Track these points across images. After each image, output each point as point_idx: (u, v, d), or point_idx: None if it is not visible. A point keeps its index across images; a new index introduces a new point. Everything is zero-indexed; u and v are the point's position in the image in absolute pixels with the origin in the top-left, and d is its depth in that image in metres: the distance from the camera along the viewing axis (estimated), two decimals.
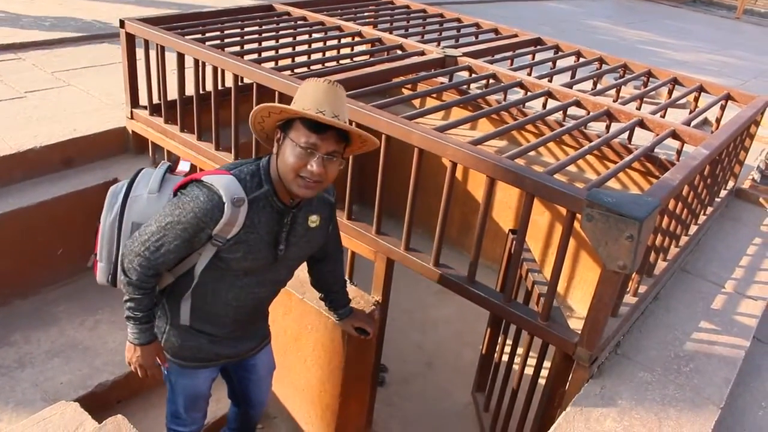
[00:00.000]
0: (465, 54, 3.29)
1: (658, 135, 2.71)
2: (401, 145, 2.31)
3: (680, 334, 2.48)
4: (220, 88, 3.33)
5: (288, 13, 3.93)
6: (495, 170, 2.07)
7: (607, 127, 3.62)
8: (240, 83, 3.00)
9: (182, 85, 3.20)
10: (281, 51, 3.43)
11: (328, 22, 3.75)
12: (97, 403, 2.74)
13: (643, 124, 2.80)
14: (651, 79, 3.71)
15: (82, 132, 3.53)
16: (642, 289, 2.47)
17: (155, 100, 3.45)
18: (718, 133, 2.70)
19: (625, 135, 3.54)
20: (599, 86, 3.61)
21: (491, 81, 3.14)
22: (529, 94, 2.93)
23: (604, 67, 3.79)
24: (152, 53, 3.33)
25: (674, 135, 2.72)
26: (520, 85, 3.04)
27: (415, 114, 2.45)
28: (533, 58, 3.88)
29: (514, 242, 2.16)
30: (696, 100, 3.57)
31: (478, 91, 3.11)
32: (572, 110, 3.43)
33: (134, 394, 3.02)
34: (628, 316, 2.37)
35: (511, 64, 3.69)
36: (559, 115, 3.76)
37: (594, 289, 2.02)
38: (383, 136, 2.32)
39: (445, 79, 3.85)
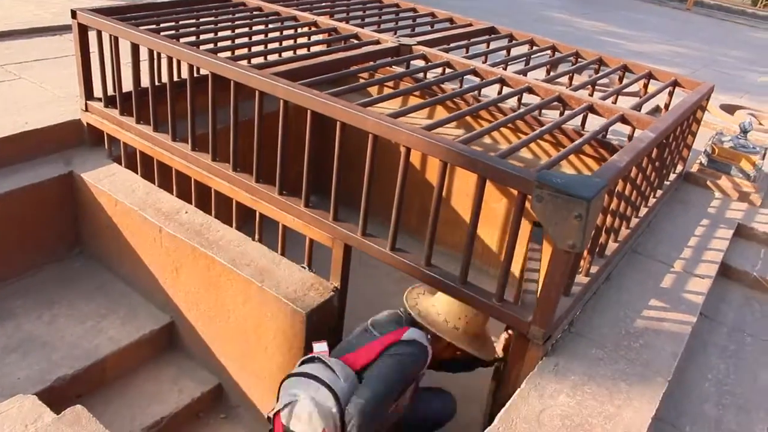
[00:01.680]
0: (420, 43, 3.33)
1: (608, 119, 2.79)
2: (357, 133, 2.33)
3: (631, 312, 2.56)
4: (176, 79, 3.31)
5: (243, 4, 3.92)
6: (447, 154, 2.11)
7: (561, 114, 3.70)
8: (196, 74, 2.99)
9: (137, 76, 3.17)
10: (237, 41, 3.42)
11: (283, 12, 3.75)
12: (57, 398, 2.71)
13: (594, 110, 2.87)
14: (603, 67, 3.79)
15: (35, 125, 3.47)
16: (594, 269, 2.54)
17: (110, 92, 3.41)
18: (664, 117, 2.79)
19: (579, 121, 3.64)
20: (552, 74, 3.69)
21: (446, 69, 3.16)
22: (483, 81, 2.98)
23: (557, 55, 3.86)
24: (106, 44, 3.29)
25: (623, 119, 2.80)
26: (474, 72, 3.08)
27: (370, 101, 2.47)
28: (488, 47, 3.93)
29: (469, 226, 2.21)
30: (645, 86, 3.67)
31: (433, 79, 3.14)
32: (528, 98, 3.50)
33: (94, 388, 3.00)
34: (580, 296, 2.44)
35: (466, 53, 3.73)
36: (514, 103, 3.83)
37: None
38: (338, 123, 2.34)
39: (402, 69, 3.89)
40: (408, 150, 2.22)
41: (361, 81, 3.14)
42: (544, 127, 2.55)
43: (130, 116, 3.30)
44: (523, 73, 3.26)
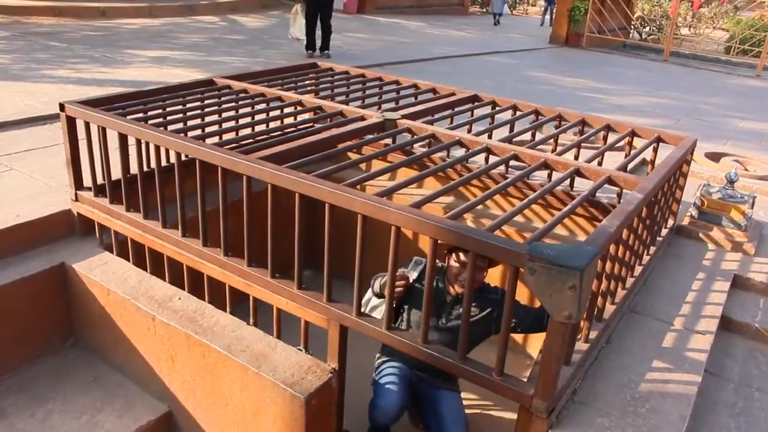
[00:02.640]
0: (404, 116, 3.38)
1: (595, 182, 2.81)
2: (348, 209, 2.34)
3: (634, 376, 2.52)
4: (164, 164, 3.34)
5: (229, 87, 3.99)
6: (438, 232, 2.11)
7: (549, 176, 3.74)
8: (184, 158, 3.01)
9: (126, 165, 3.20)
10: (224, 125, 3.46)
11: (268, 93, 3.81)
12: None
13: (580, 173, 2.90)
14: (587, 127, 3.85)
15: (26, 217, 3.47)
16: (593, 334, 2.52)
17: (99, 181, 3.43)
18: (650, 177, 2.81)
19: (567, 182, 3.67)
20: (538, 136, 3.74)
21: (433, 141, 3.21)
22: (469, 151, 3.01)
23: (540, 118, 3.92)
24: (94, 133, 3.33)
25: (610, 181, 2.82)
26: (460, 143, 3.12)
27: (357, 180, 2.49)
28: (472, 115, 3.99)
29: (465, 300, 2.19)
30: (629, 144, 3.71)
31: (422, 151, 3.19)
32: (517, 161, 3.54)
33: None
34: (581, 363, 2.40)
35: (451, 123, 3.79)
36: (503, 168, 3.86)
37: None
38: (326, 205, 2.35)
39: (390, 141, 3.95)
40: (398, 228, 2.22)
41: (349, 158, 3.17)
42: (532, 196, 2.56)
43: (119, 204, 3.31)
44: (509, 140, 3.30)
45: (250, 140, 3.21)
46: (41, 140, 4.85)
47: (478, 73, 10.52)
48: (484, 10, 24.43)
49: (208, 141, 3.33)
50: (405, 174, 3.70)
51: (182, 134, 3.28)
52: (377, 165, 4.05)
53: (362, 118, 3.35)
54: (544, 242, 2.06)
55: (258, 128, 3.53)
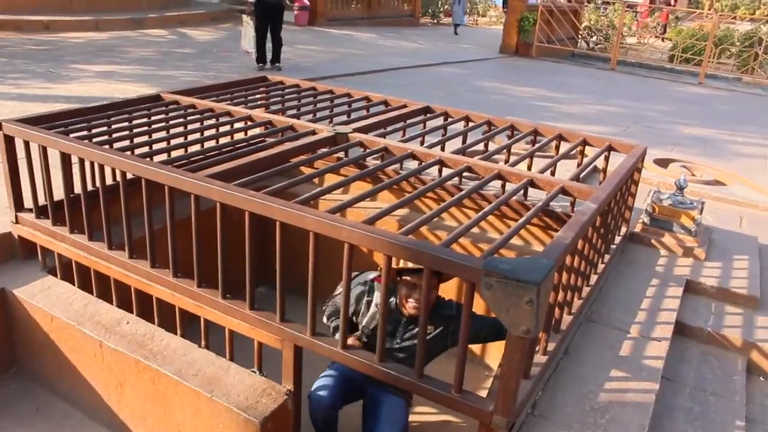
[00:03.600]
0: (355, 130, 3.34)
1: (549, 192, 2.81)
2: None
3: (593, 386, 2.52)
4: (109, 182, 3.22)
5: (177, 102, 3.89)
6: (392, 248, 2.06)
7: (503, 186, 3.74)
8: (130, 177, 2.91)
9: (68, 185, 3.08)
10: (172, 142, 3.37)
11: (217, 108, 3.72)
12: None
13: (534, 184, 2.89)
14: (539, 137, 3.86)
15: None
16: (551, 346, 2.50)
17: (41, 202, 3.30)
18: (603, 186, 2.82)
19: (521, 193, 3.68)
20: (491, 147, 3.74)
21: (386, 154, 3.17)
22: (422, 164, 2.98)
23: (493, 129, 3.92)
24: (34, 153, 3.20)
25: (564, 191, 2.82)
26: (412, 156, 3.09)
27: (310, 196, 2.43)
28: (424, 127, 3.97)
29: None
30: (581, 153, 3.74)
31: (375, 164, 3.15)
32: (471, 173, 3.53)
33: None
34: (540, 376, 2.38)
35: (404, 135, 3.77)
36: (456, 180, 3.85)
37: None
38: (277, 223, 2.28)
39: (343, 156, 3.90)
40: (351, 246, 2.17)
41: (302, 173, 3.10)
42: (486, 209, 2.54)
43: (63, 226, 3.18)
44: (462, 151, 3.29)
45: (199, 157, 3.11)
46: None
47: (430, 84, 10.56)
48: (435, 21, 24.63)
49: (156, 159, 3.25)
50: (358, 188, 3.66)
51: (128, 152, 3.19)
52: (330, 179, 4.00)
53: (313, 133, 3.30)
54: (500, 256, 2.03)
55: (207, 144, 3.44)
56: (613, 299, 3.20)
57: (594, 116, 9.42)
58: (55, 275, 3.32)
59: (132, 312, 3.03)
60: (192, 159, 3.08)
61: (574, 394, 2.46)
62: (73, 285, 3.23)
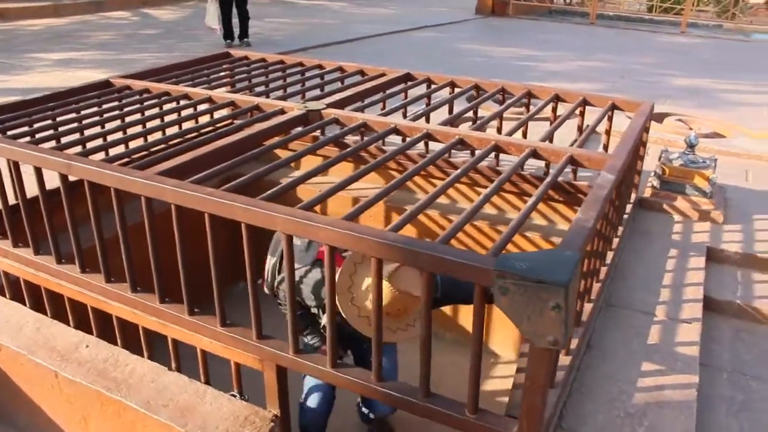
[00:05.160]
0: (329, 105, 2.94)
1: (554, 162, 2.45)
2: None
3: (625, 385, 2.19)
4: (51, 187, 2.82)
5: (128, 87, 3.46)
6: (380, 249, 1.69)
7: (497, 158, 3.38)
8: (72, 179, 2.51)
9: (3, 192, 2.68)
10: (122, 133, 2.97)
11: (173, 91, 3.31)
12: None
13: (538, 154, 2.52)
14: (533, 99, 3.49)
15: None
16: (573, 343, 2.16)
17: None
18: (617, 152, 2.46)
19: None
20: (481, 114, 3.37)
21: (365, 130, 2.79)
22: (408, 140, 2.60)
23: (482, 93, 3.55)
24: None
25: (573, 161, 2.46)
26: (396, 131, 2.71)
27: (278, 190, 2.05)
28: (405, 97, 3.58)
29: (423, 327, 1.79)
30: (582, 114, 3.37)
31: (356, 143, 2.77)
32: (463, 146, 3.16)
33: None
34: (564, 381, 2.04)
35: (384, 107, 3.38)
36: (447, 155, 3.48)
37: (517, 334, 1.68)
38: (242, 225, 1.90)
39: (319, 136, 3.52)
40: (332, 248, 1.80)
41: (271, 161, 2.71)
42: (487, 191, 2.16)
43: (4, 239, 2.79)
44: (450, 122, 2.91)
45: (154, 149, 2.72)
46: None
47: (407, 50, 10.11)
48: None
49: (104, 154, 2.86)
50: (339, 171, 3.28)
51: (76, 149, 2.79)
52: (306, 164, 3.62)
53: (282, 112, 2.90)
54: (510, 252, 1.67)
55: (161, 134, 3.04)
56: (631, 277, 2.87)
57: (580, 73, 9.03)
58: (3, 294, 2.93)
59: (91, 333, 2.65)
60: (147, 152, 2.68)
61: (605, 397, 2.12)
62: (24, 305, 2.84)
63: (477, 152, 2.56)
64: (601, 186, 2.11)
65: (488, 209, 3.53)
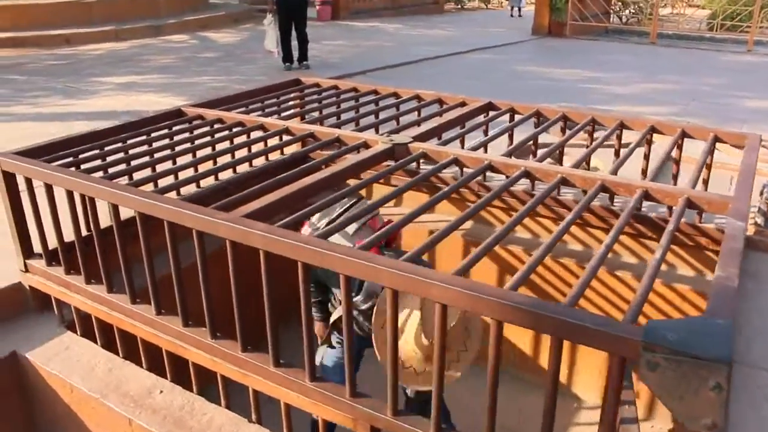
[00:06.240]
0: (415, 138, 2.78)
1: (670, 206, 2.23)
2: None
3: None
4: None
5: (200, 117, 3.37)
6: (502, 311, 1.51)
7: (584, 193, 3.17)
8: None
9: (78, 227, 2.59)
10: (201, 167, 2.87)
11: (248, 121, 3.19)
12: None
13: (650, 196, 2.30)
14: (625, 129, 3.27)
15: None
16: None
17: (51, 246, 2.81)
18: (739, 195, 2.23)
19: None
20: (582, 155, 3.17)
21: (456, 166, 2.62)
22: (509, 178, 2.40)
23: (570, 124, 3.35)
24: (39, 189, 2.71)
25: (690, 204, 2.24)
26: (491, 167, 2.52)
27: (384, 234, 1.89)
28: (487, 129, 3.40)
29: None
30: (680, 147, 3.13)
31: (448, 180, 2.59)
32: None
33: None
34: None
35: (462, 144, 3.20)
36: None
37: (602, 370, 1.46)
38: (341, 277, 1.74)
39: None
40: (444, 307, 1.62)
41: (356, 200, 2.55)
42: (610, 237, 1.95)
43: (77, 275, 2.69)
44: (546, 157, 2.71)
45: (234, 185, 2.59)
46: None
47: (466, 72, 9.95)
48: (460, 6, 23.91)
49: (184, 189, 2.76)
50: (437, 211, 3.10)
51: (150, 184, 2.69)
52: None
53: (366, 145, 2.75)
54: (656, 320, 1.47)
55: (240, 168, 2.93)
56: (747, 327, 2.60)
57: (648, 95, 8.72)
58: (75, 330, 2.84)
59: (165, 376, 2.53)
60: (224, 188, 2.55)
61: None
62: (96, 343, 2.74)
63: (581, 191, 2.35)
64: (734, 236, 1.89)
65: (584, 247, 3.32)
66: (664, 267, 3.25)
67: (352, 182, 2.93)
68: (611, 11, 17.89)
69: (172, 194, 2.64)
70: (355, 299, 2.57)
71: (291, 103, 3.84)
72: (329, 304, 3.04)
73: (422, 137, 2.84)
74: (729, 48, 14.69)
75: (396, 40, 13.72)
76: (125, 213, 2.37)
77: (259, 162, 3.35)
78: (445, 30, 16.50)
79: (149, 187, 2.63)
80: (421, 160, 3.13)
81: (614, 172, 2.49)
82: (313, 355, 2.00)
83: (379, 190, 3.70)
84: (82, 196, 2.45)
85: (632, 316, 1.49)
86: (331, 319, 2.92)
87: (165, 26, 13.53)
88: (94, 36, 12.13)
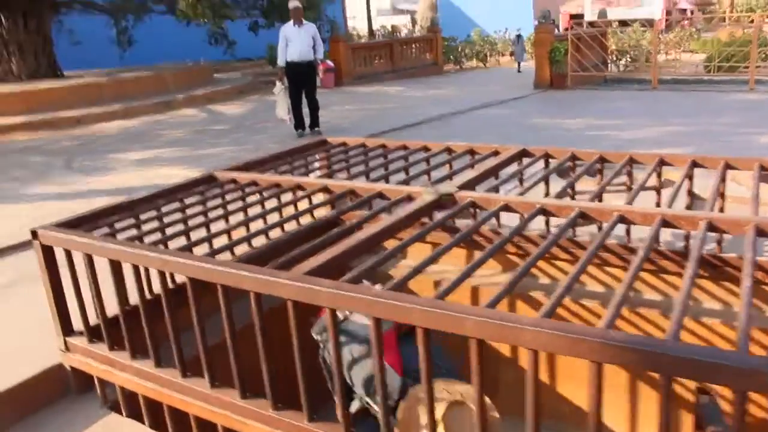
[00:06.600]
0: (460, 187, 2.72)
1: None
2: None
3: None
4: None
5: (234, 181, 3.32)
6: (603, 352, 1.41)
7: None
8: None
9: (123, 299, 2.51)
10: (242, 230, 2.81)
11: (284, 182, 3.15)
12: None
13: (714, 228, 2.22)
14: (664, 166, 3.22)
15: (2, 385, 2.72)
16: None
17: (92, 321, 2.73)
18: None
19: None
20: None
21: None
22: (567, 221, 2.33)
23: (606, 165, 3.30)
24: (79, 263, 2.64)
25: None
26: (543, 211, 2.45)
27: (453, 285, 1.80)
28: (521, 175, 3.36)
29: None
30: (724, 180, 3.07)
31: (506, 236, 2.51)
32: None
33: None
34: None
35: (497, 190, 3.15)
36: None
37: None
38: (419, 331, 1.65)
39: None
40: (535, 353, 1.52)
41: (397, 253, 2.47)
42: (687, 280, 1.85)
43: (122, 350, 2.59)
44: (596, 197, 2.65)
45: (281, 245, 2.52)
46: (22, 272, 4.10)
47: (478, 128, 10.03)
48: (459, 66, 24.35)
49: (223, 255, 2.69)
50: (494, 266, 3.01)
51: (191, 249, 2.63)
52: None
53: (409, 198, 2.69)
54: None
55: (286, 227, 2.86)
56: None
57: (660, 138, 8.70)
58: (119, 411, 2.71)
59: None
60: (275, 247, 2.48)
61: None
62: (143, 423, 2.62)
63: (645, 230, 2.27)
64: None
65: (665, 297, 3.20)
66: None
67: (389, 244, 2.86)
68: (609, 61, 18.19)
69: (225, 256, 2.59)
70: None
71: (318, 164, 3.81)
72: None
73: (466, 186, 2.78)
74: (730, 88, 14.82)
75: (400, 102, 13.90)
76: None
77: (302, 221, 3.30)
78: (447, 89, 16.75)
79: (196, 252, 2.56)
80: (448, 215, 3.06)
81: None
82: (386, 421, 1.88)
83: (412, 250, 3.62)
84: (135, 267, 2.36)
85: (743, 347, 1.39)
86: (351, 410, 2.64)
87: (173, 102, 13.78)
88: (104, 116, 12.34)
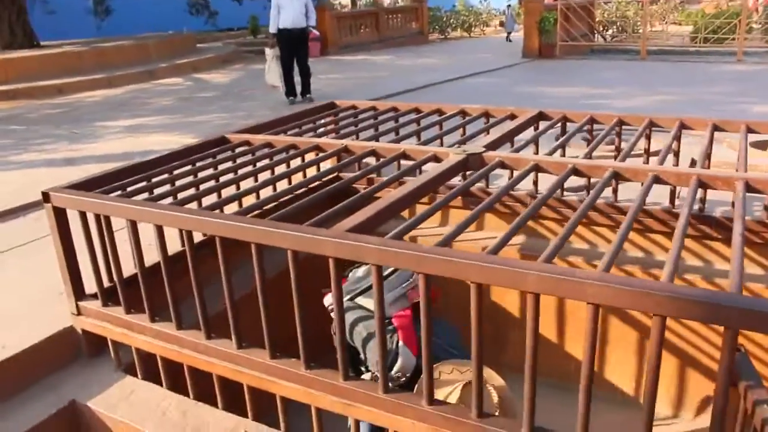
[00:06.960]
0: (486, 147, 2.66)
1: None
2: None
3: None
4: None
5: (248, 143, 3.24)
6: (670, 306, 1.37)
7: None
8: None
9: (142, 260, 2.43)
10: (263, 191, 2.74)
11: (301, 143, 3.07)
12: None
13: (751, 188, 2.19)
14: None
15: (13, 348, 2.65)
16: None
17: (107, 283, 2.65)
18: None
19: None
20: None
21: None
22: (601, 181, 2.28)
23: (625, 128, 3.27)
24: (94, 227, 2.56)
25: None
26: (575, 171, 2.41)
27: (500, 243, 1.75)
28: (538, 133, 3.32)
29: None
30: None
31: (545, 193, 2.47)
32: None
33: None
34: None
35: (513, 146, 3.10)
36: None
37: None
38: (472, 287, 1.60)
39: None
40: (596, 308, 1.48)
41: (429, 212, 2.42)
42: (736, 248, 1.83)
43: (141, 312, 2.53)
44: (624, 156, 2.61)
45: (305, 207, 2.45)
46: (15, 238, 4.00)
47: (470, 96, 9.93)
48: (444, 36, 24.17)
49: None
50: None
51: (218, 208, 2.56)
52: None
53: (436, 158, 2.63)
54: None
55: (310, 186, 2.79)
56: None
57: (654, 107, 8.71)
58: (134, 374, 2.66)
59: (246, 415, 2.35)
60: (298, 209, 2.41)
61: None
62: (161, 386, 2.57)
63: (680, 190, 2.24)
64: None
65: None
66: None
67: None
68: (596, 31, 18.16)
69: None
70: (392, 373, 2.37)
71: (330, 126, 3.73)
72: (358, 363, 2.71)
73: (491, 146, 2.73)
74: (718, 59, 14.88)
75: (389, 71, 13.75)
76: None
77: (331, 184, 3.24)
78: (435, 58, 16.61)
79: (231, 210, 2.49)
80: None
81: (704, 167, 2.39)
82: (428, 375, 1.84)
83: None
84: (158, 227, 2.27)
85: None
86: None
87: (157, 70, 13.51)
88: (86, 84, 12.06)
